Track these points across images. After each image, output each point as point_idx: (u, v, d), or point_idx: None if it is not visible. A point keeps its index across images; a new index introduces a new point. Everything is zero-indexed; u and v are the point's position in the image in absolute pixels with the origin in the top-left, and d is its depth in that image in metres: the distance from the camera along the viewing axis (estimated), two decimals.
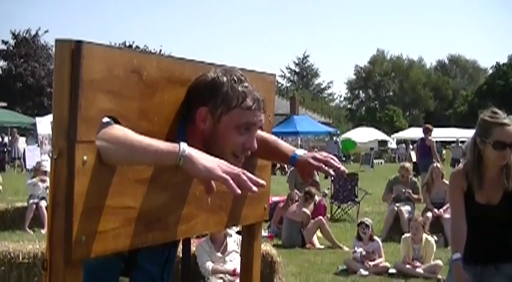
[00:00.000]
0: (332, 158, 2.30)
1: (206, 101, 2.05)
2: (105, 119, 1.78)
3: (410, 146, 37.75)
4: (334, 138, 30.63)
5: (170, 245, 2.19)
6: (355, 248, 8.49)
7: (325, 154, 2.34)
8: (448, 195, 4.07)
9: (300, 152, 2.39)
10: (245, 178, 1.75)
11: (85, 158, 1.68)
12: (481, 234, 3.63)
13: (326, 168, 2.27)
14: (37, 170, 11.41)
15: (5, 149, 27.82)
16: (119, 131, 1.76)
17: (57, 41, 1.69)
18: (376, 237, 8.76)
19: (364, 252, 8.31)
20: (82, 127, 1.67)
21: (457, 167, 3.92)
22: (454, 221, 3.72)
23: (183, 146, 1.76)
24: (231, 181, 1.73)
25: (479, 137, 3.63)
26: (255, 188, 1.76)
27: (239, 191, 1.72)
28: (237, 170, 1.77)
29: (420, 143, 14.64)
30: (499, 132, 3.56)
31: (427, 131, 14.39)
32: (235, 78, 2.08)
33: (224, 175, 1.73)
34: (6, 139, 28.76)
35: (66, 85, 1.66)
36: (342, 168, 2.28)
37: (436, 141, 15.70)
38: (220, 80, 2.07)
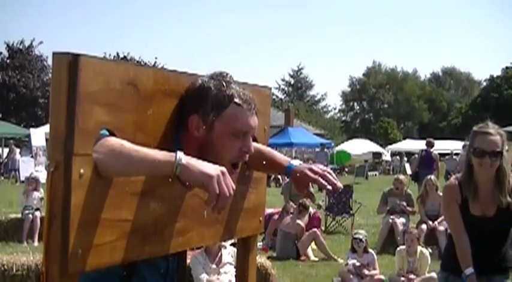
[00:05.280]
0: (329, 172, 2.29)
1: (197, 109, 2.05)
2: (102, 132, 1.78)
3: (405, 158, 37.74)
4: (325, 149, 30.60)
5: (171, 256, 2.18)
6: (348, 260, 8.48)
7: (322, 167, 2.32)
8: (443, 209, 4.06)
9: (296, 162, 2.40)
10: (226, 203, 1.76)
11: (82, 170, 1.68)
12: (475, 246, 3.64)
13: (323, 181, 2.26)
14: (28, 179, 11.47)
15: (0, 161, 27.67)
16: (115, 142, 1.76)
17: (54, 54, 1.69)
18: (370, 250, 8.74)
19: (357, 264, 8.29)
20: (79, 140, 1.67)
21: (450, 180, 3.91)
22: (456, 235, 3.71)
23: (180, 154, 1.76)
24: (219, 198, 1.74)
25: (468, 147, 3.71)
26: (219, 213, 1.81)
27: (216, 212, 1.78)
28: (229, 188, 1.76)
29: (425, 154, 15.25)
30: (480, 140, 3.61)
31: (431, 145, 15.40)
32: (222, 82, 2.09)
33: (216, 190, 1.73)
34: (0, 150, 28.56)
35: (64, 98, 1.67)
36: (339, 184, 2.27)
37: None
38: (207, 85, 2.08)
